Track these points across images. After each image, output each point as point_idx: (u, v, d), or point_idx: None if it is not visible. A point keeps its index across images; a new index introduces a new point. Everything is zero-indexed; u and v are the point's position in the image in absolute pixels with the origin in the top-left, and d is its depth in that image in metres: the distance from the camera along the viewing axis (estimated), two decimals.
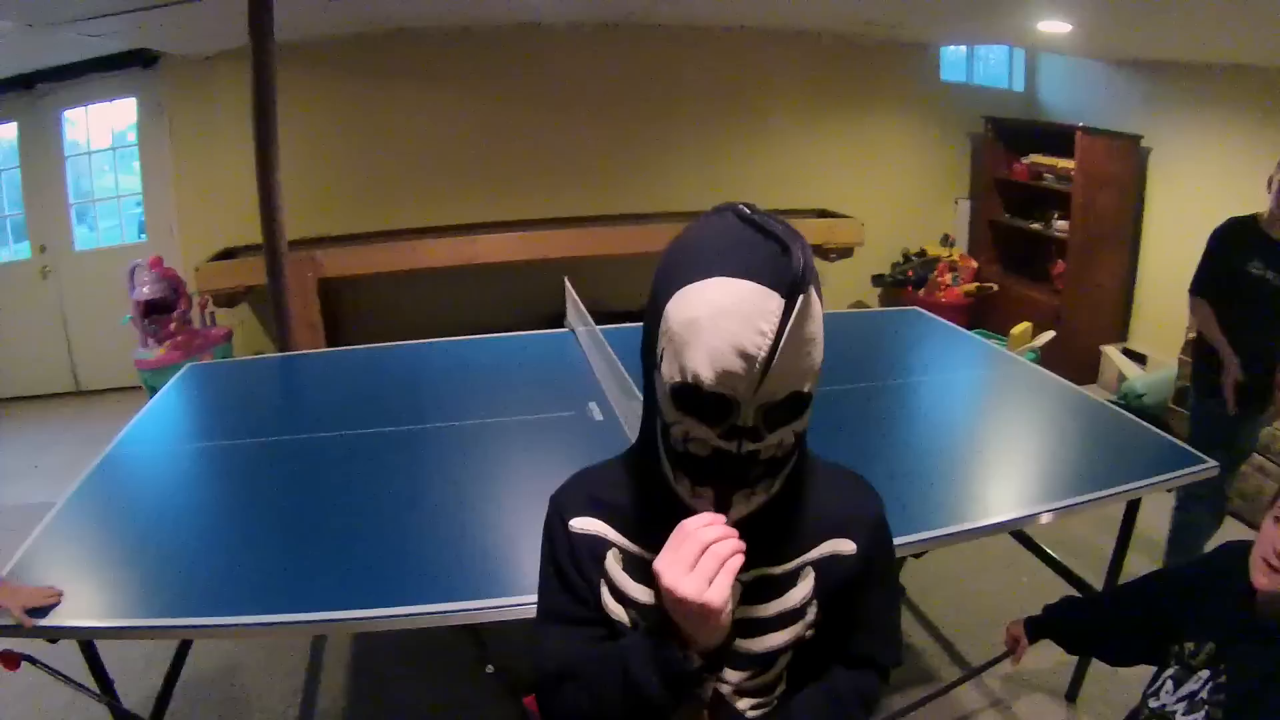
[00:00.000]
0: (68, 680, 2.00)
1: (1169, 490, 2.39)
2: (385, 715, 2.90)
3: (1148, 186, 5.74)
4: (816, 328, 0.87)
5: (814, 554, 1.03)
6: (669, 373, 0.88)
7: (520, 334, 3.95)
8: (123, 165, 5.91)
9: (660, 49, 6.23)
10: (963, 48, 6.94)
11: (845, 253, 6.18)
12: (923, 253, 6.65)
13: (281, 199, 4.12)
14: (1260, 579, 1.36)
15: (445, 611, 1.83)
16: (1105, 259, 5.77)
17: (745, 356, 0.82)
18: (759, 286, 0.82)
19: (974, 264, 6.50)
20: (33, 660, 1.93)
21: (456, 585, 1.89)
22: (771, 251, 0.84)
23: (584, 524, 1.05)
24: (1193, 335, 4.70)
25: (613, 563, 1.04)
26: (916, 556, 2.99)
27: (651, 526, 0.97)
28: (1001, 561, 3.56)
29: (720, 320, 0.83)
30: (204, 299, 5.38)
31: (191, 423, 3.18)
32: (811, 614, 1.03)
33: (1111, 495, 2.29)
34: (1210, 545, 2.93)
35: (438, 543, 2.13)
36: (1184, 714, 1.41)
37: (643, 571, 0.99)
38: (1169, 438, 2.69)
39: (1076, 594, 2.62)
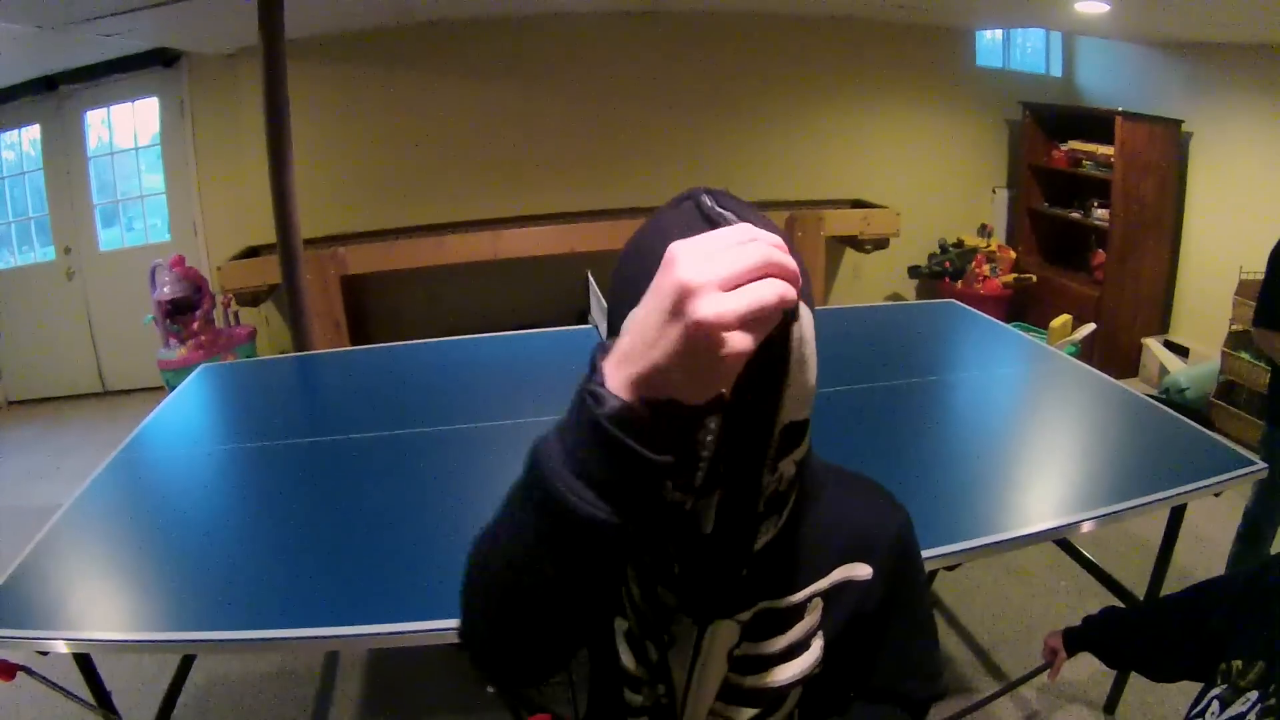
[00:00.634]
0: (64, 692, 1.96)
1: (1216, 495, 2.25)
2: None
3: (1189, 173, 5.56)
4: (804, 350, 0.74)
5: (824, 583, 0.89)
6: None
7: (545, 330, 3.88)
8: (146, 165, 5.91)
9: (688, 38, 6.12)
10: (998, 33, 6.76)
11: (881, 244, 6.06)
12: (960, 243, 6.49)
13: (296, 197, 4.07)
14: None
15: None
16: (1146, 248, 5.60)
17: None
18: None
19: (1012, 254, 6.34)
20: (29, 671, 1.89)
21: None
22: None
23: None
24: (1237, 328, 4.59)
25: None
26: (949, 569, 2.87)
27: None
28: (1040, 565, 3.44)
29: None
30: (226, 298, 5.36)
31: (204, 425, 3.14)
32: (817, 648, 0.90)
33: (1157, 501, 2.16)
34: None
35: (455, 551, 2.03)
36: None
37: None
38: (1217, 437, 2.56)
39: (1118, 603, 2.51)
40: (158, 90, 5.66)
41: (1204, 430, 2.60)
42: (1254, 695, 1.31)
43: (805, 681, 0.91)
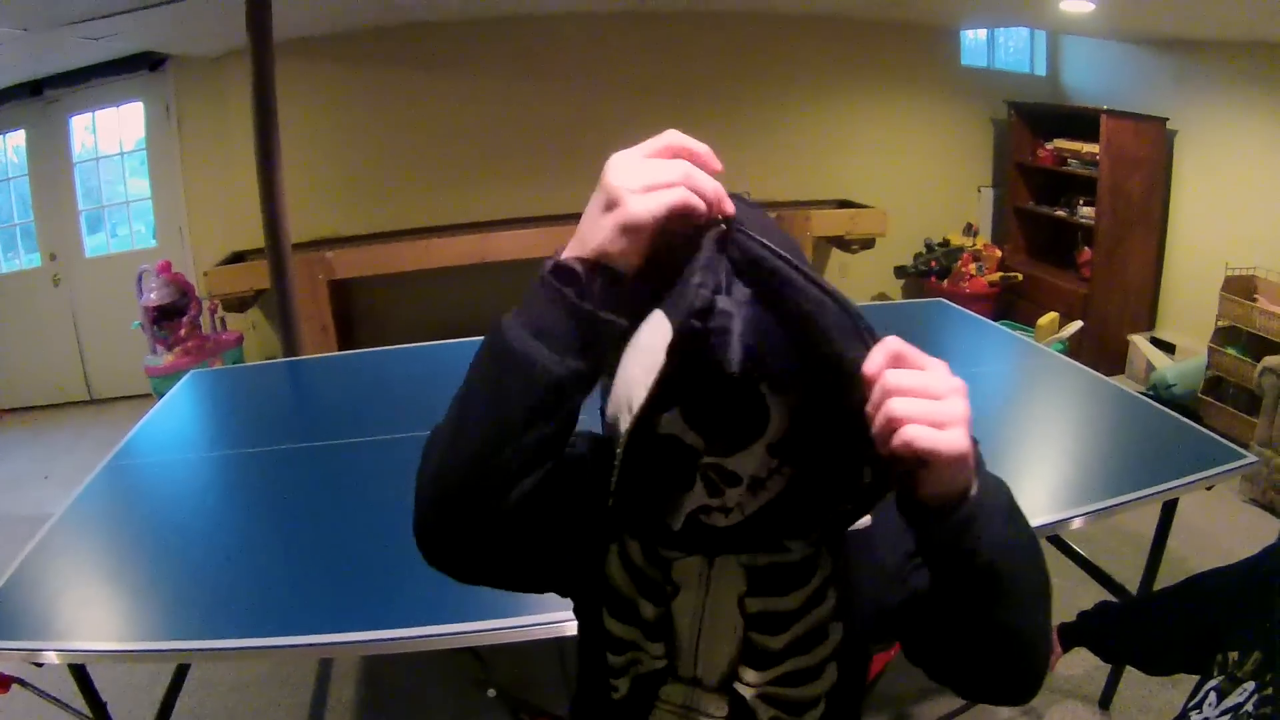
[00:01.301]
0: (59, 704, 1.95)
1: (1209, 488, 2.27)
2: None
3: (1175, 170, 5.59)
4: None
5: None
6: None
7: None
8: (132, 170, 5.87)
9: (674, 38, 6.11)
10: (983, 32, 6.79)
11: (867, 243, 6.06)
12: (946, 242, 6.51)
13: (285, 201, 4.05)
14: None
15: (460, 633, 1.75)
16: (1132, 245, 5.62)
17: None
18: (664, 321, 0.72)
19: (998, 253, 6.36)
20: (23, 682, 1.88)
21: (469, 604, 1.78)
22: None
23: None
24: (1224, 324, 4.61)
25: None
26: None
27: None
28: None
29: (629, 362, 0.75)
30: (213, 303, 5.34)
31: (194, 431, 3.12)
32: (832, 599, 0.88)
33: (1148, 496, 2.18)
34: None
35: None
36: None
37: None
38: (1205, 430, 2.58)
39: (1112, 598, 2.52)
40: (143, 94, 5.61)
41: (1193, 424, 2.61)
42: (1251, 685, 1.31)
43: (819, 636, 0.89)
